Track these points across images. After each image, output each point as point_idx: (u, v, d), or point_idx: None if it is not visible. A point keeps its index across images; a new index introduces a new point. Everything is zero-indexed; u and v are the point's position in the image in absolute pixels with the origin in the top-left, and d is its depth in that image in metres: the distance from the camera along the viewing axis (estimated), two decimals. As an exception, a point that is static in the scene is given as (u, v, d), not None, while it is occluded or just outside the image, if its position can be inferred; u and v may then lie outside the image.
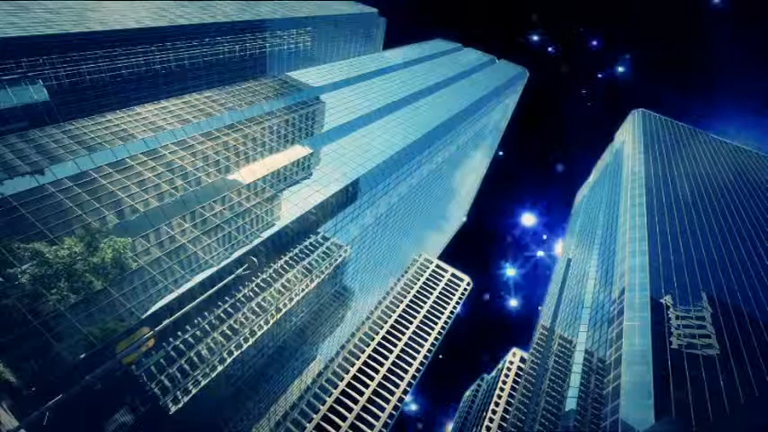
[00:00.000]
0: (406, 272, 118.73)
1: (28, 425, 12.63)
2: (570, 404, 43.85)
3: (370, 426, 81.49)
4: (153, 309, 30.89)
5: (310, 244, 51.35)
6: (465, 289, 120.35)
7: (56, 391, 13.38)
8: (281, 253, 45.88)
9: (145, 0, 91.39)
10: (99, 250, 29.65)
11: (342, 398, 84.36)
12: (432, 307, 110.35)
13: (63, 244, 28.99)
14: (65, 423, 24.26)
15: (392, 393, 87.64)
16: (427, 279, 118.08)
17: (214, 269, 35.35)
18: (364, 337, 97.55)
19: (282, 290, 49.01)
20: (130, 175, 40.35)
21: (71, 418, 25.17)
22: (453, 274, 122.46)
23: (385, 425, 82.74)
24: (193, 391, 38.78)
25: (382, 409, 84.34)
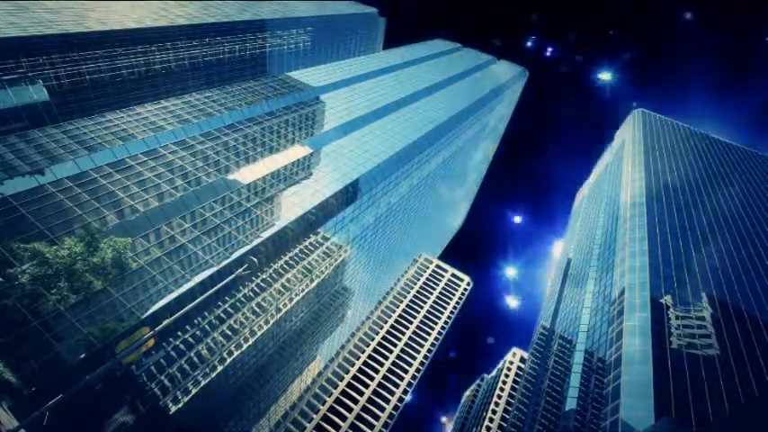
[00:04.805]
0: (406, 272, 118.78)
1: (28, 425, 12.63)
2: (570, 404, 43.82)
3: (371, 426, 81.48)
4: (153, 309, 30.89)
5: (310, 244, 51.35)
6: (465, 289, 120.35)
7: (56, 391, 13.38)
8: (281, 253, 45.89)
9: (145, 0, 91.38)
10: (99, 250, 29.65)
11: (342, 398, 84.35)
12: (432, 307, 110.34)
13: (63, 244, 28.98)
14: (65, 423, 24.28)
15: (392, 393, 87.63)
16: (427, 279, 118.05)
17: (214, 269, 35.35)
18: (364, 337, 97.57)
19: (282, 290, 49.06)
20: (130, 175, 40.35)
21: (71, 418, 25.19)
22: (453, 275, 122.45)
23: (385, 425, 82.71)
24: (193, 391, 38.86)
25: (382, 409, 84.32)
